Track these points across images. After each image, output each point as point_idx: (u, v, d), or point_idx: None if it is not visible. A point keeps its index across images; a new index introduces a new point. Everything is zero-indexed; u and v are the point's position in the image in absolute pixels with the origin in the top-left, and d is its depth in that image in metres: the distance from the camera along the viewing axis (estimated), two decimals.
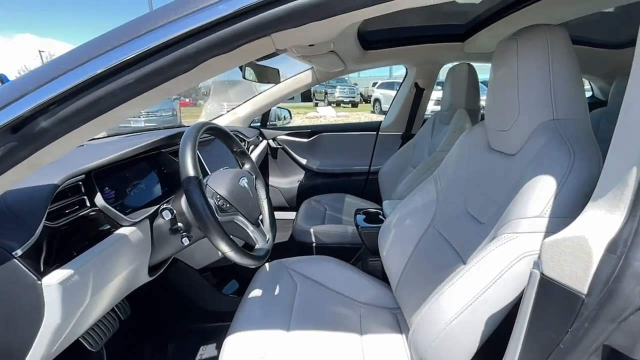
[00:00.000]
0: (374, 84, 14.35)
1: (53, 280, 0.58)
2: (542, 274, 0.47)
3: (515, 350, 0.50)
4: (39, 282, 0.56)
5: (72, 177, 0.70)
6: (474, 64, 1.66)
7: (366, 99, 16.03)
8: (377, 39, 1.74)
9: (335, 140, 2.34)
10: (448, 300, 0.69)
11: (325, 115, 11.93)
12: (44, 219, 0.60)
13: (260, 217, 1.04)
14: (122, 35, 0.42)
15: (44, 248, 0.61)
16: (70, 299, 0.61)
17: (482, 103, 1.63)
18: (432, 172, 1.14)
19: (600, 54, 1.74)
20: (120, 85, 0.42)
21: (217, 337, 0.86)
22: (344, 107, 14.73)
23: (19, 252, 0.55)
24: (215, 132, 1.00)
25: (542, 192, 0.63)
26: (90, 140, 1.22)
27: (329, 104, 14.96)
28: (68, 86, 0.41)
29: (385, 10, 0.46)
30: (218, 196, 0.84)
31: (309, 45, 1.12)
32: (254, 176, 1.10)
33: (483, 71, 1.71)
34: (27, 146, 0.45)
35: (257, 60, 1.36)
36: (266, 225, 1.07)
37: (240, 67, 1.19)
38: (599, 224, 0.43)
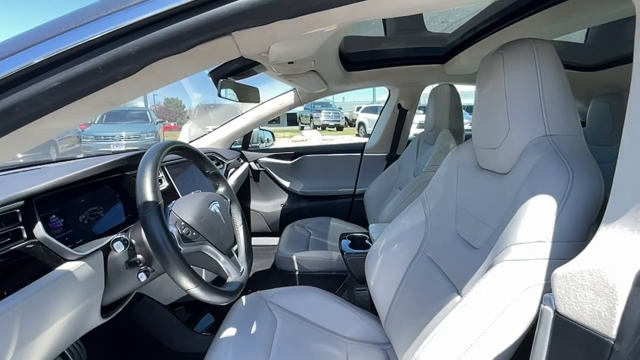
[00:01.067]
0: (358, 108, 14.69)
1: None
2: (556, 312, 0.39)
3: None
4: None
5: (5, 203, 0.60)
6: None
7: (351, 123, 16.33)
8: (359, 60, 1.74)
9: (319, 162, 2.29)
10: (445, 342, 0.60)
11: (311, 138, 12.04)
12: None
13: (235, 246, 0.94)
14: (45, 31, 0.34)
15: None
16: None
17: (467, 126, 1.64)
18: (419, 193, 1.08)
19: (576, 76, 1.79)
20: (40, 90, 0.34)
21: None
22: (329, 130, 14.93)
23: None
24: (184, 151, 0.91)
25: (541, 214, 0.57)
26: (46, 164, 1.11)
27: (315, 127, 15.14)
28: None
29: (361, 14, 0.40)
30: (183, 223, 0.74)
31: (289, 63, 1.07)
32: (229, 200, 1.01)
33: (463, 96, 1.73)
34: None
35: (236, 78, 1.31)
36: (241, 255, 0.96)
37: (216, 84, 1.13)
38: (619, 249, 0.37)
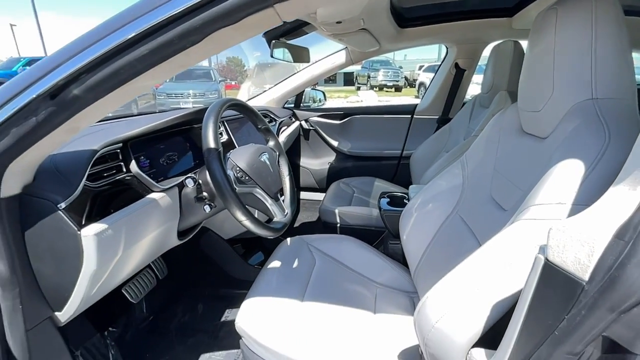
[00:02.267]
0: (421, 67, 13.66)
1: (90, 232, 0.66)
2: (546, 259, 0.44)
3: (513, 334, 0.48)
4: (79, 233, 0.65)
5: (110, 144, 0.79)
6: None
7: (411, 83, 15.36)
8: (414, 16, 1.66)
9: (368, 123, 2.30)
10: (455, 283, 0.68)
11: (366, 99, 11.68)
12: (84, 179, 0.69)
13: (282, 195, 1.08)
14: (134, 12, 0.46)
15: (84, 204, 0.70)
16: (105, 250, 0.70)
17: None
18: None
19: None
20: (136, 57, 0.46)
21: (242, 302, 0.93)
22: (387, 91, 14.28)
23: (63, 205, 0.64)
24: (240, 108, 1.04)
25: (567, 178, 0.58)
26: (136, 116, 1.34)
27: (372, 87, 14.59)
28: (92, 57, 0.46)
29: None
30: (237, 168, 0.88)
31: (337, 23, 1.10)
32: (277, 153, 1.13)
33: None
34: (64, 111, 0.51)
35: (288, 39, 1.37)
36: (286, 201, 1.10)
37: (269, 45, 1.21)
38: (613, 209, 0.39)
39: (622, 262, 0.35)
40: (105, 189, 0.78)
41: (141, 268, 1.04)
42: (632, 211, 0.36)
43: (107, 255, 0.71)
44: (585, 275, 0.38)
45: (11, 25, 21.95)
